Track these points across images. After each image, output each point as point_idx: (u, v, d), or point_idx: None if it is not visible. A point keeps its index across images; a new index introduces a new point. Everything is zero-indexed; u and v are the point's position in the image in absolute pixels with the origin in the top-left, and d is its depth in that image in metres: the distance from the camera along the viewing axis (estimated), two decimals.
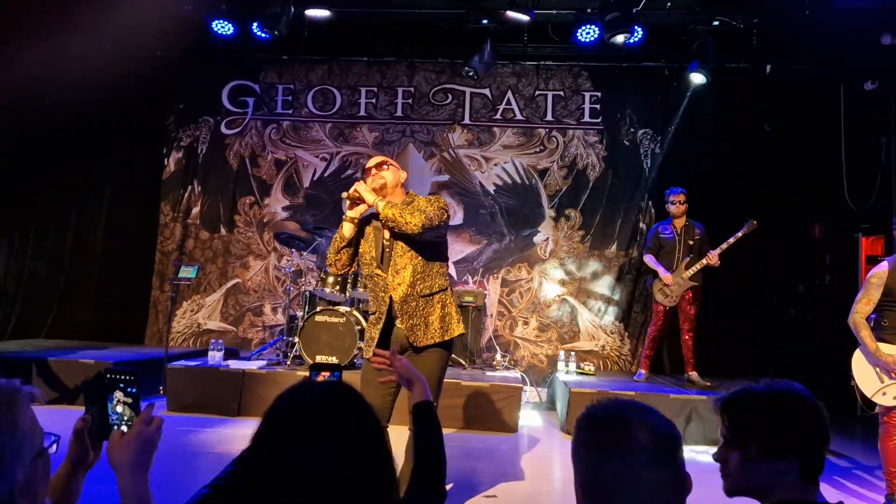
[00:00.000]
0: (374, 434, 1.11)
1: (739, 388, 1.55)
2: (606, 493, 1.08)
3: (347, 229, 3.14)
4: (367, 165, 3.26)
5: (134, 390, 1.40)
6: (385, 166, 3.22)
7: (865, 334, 3.73)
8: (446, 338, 3.14)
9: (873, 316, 3.81)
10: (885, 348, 3.70)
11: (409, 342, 3.11)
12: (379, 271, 3.15)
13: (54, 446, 1.14)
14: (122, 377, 1.40)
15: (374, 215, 3.20)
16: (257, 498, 1.03)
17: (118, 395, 1.38)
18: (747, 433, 1.48)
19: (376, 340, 3.14)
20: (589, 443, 1.13)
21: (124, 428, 1.37)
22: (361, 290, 6.06)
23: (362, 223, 3.23)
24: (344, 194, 3.12)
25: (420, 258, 3.12)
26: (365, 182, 3.18)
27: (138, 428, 1.35)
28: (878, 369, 3.71)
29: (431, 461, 1.63)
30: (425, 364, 3.06)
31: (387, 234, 3.16)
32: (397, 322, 3.13)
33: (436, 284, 3.16)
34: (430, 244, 3.15)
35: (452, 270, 7.34)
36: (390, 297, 3.12)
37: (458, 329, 3.20)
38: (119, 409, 1.39)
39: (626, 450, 1.08)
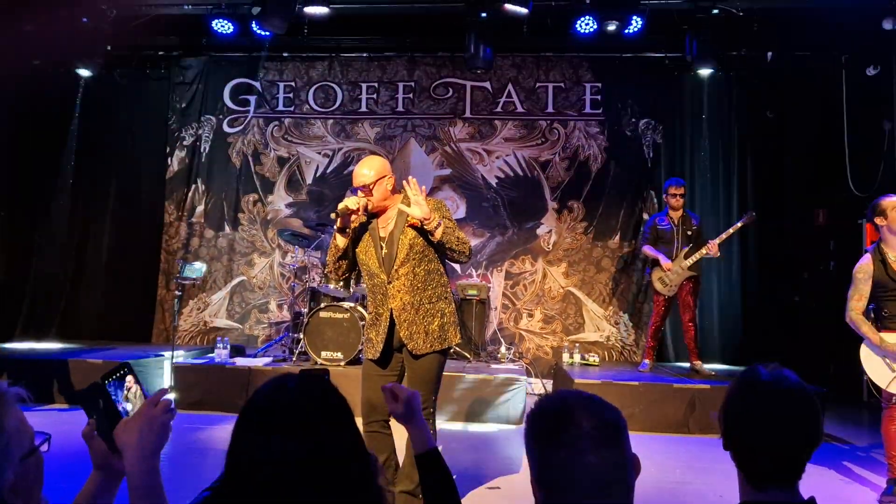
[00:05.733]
0: (345, 421, 1.13)
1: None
2: (558, 482, 1.12)
3: (341, 240, 3.16)
4: (355, 183, 3.13)
5: (129, 382, 1.40)
6: (371, 187, 3.09)
7: (867, 329, 3.75)
8: (444, 346, 3.17)
9: (871, 307, 3.82)
10: (890, 338, 3.72)
11: (407, 349, 3.14)
12: (380, 274, 3.17)
13: (45, 444, 1.16)
14: (117, 374, 1.40)
15: (369, 223, 3.22)
16: (244, 495, 1.05)
17: (121, 393, 1.39)
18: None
19: (376, 344, 3.18)
20: (536, 435, 1.18)
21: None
22: (365, 286, 6.08)
23: (357, 231, 3.23)
24: (332, 215, 3.06)
25: (420, 267, 3.13)
26: (369, 195, 3.10)
27: (144, 409, 1.34)
28: (886, 360, 3.72)
29: None
30: (422, 368, 3.13)
31: (384, 243, 3.16)
32: (396, 328, 3.15)
33: (436, 294, 3.18)
34: (431, 252, 3.15)
35: (456, 265, 7.33)
36: (390, 306, 3.14)
37: (455, 338, 3.22)
38: (127, 404, 1.39)
39: (572, 437, 1.12)
